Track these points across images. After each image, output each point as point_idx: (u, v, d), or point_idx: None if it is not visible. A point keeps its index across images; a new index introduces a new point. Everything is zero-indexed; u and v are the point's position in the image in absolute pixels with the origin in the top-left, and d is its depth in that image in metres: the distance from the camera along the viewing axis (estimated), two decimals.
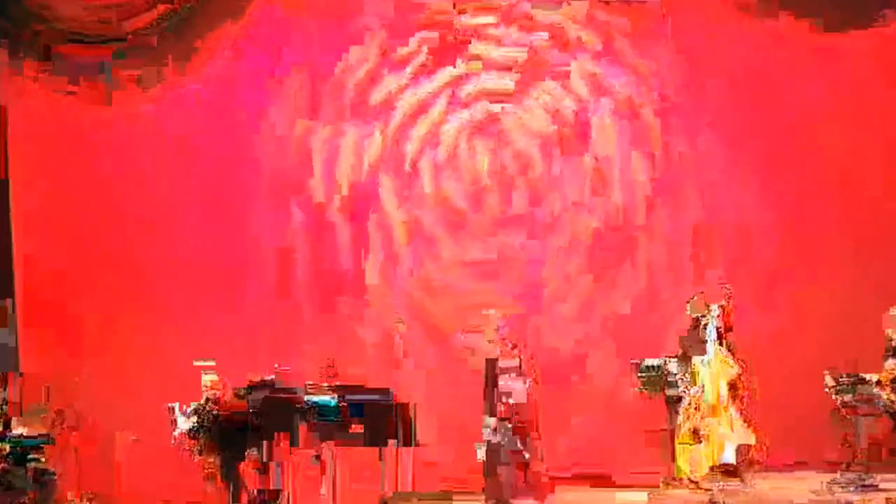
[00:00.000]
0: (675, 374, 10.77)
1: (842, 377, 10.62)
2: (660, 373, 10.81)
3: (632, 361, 11.02)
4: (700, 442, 10.71)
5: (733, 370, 10.83)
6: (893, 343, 10.73)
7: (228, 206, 13.06)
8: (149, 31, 12.89)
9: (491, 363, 10.66)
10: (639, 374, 10.93)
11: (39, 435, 10.32)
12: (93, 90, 12.98)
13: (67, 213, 12.94)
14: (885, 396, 10.53)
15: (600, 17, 13.25)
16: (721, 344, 10.93)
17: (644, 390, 10.98)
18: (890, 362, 10.65)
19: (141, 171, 13.08)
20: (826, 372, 10.72)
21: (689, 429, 10.78)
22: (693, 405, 10.83)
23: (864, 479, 10.40)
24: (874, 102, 12.87)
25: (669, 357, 10.91)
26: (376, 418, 10.29)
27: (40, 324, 12.69)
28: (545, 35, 13.25)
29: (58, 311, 12.77)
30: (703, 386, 10.77)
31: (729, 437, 10.73)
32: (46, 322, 12.70)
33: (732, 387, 10.79)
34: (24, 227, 12.94)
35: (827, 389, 10.67)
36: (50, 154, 13.00)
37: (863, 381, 10.60)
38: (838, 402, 10.62)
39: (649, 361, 10.92)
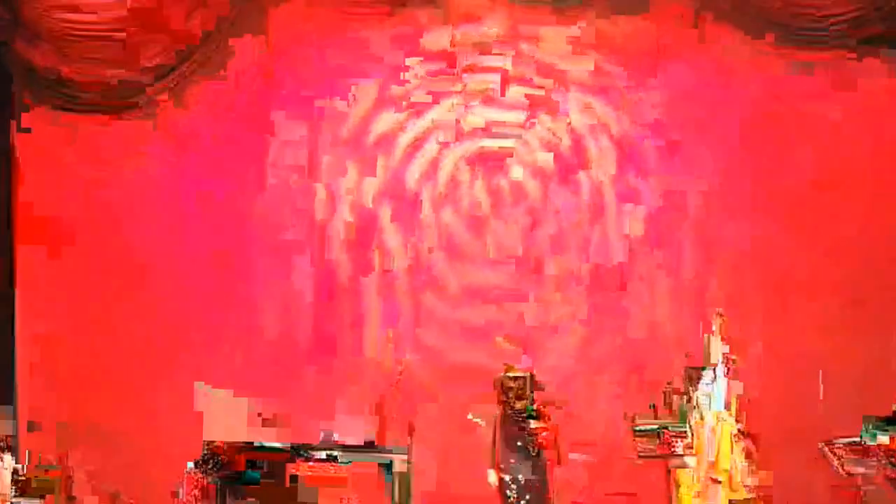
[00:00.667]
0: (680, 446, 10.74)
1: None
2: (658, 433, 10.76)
3: (634, 429, 10.93)
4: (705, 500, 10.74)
5: (736, 426, 10.81)
6: None
7: (232, 242, 13.18)
8: (158, 65, 12.95)
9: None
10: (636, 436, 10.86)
11: None
12: (99, 122, 13.11)
13: (72, 247, 13.06)
14: None
15: (598, 53, 13.20)
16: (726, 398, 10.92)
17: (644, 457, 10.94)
18: None
19: (139, 197, 13.18)
20: (823, 443, 10.68)
21: (696, 489, 10.81)
22: (699, 464, 10.82)
23: None
24: (877, 134, 12.86)
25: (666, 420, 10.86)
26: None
27: (40, 363, 12.83)
28: (543, 71, 13.22)
29: (57, 346, 12.92)
30: (709, 446, 10.76)
31: (734, 495, 10.75)
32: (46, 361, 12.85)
33: (741, 450, 10.79)
34: (28, 263, 13.10)
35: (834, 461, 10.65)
36: (56, 191, 13.12)
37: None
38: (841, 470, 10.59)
39: (652, 427, 10.85)
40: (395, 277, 13.32)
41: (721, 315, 11.04)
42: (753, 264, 12.94)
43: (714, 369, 10.88)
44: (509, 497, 10.90)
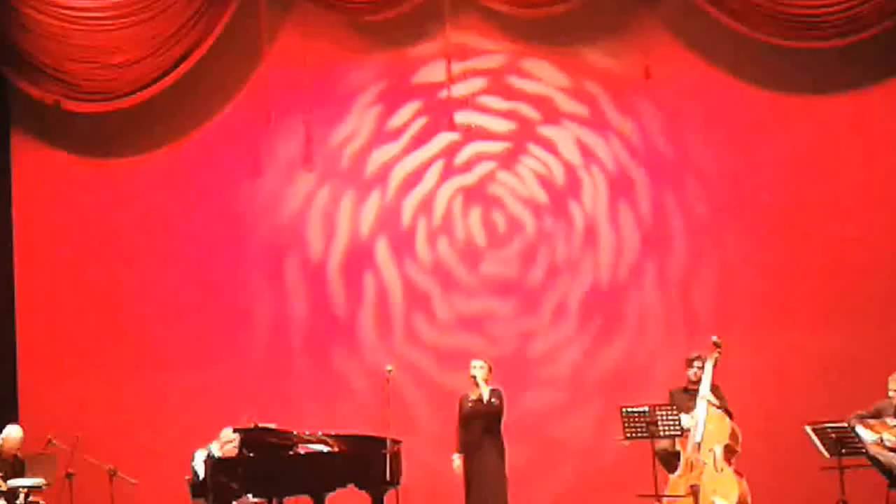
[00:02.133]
0: (666, 428, 10.85)
1: (830, 429, 10.70)
2: (648, 421, 10.87)
3: (622, 409, 11.04)
4: (694, 497, 10.79)
5: (728, 428, 10.95)
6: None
7: (224, 264, 13.48)
8: (149, 91, 13.28)
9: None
10: (626, 423, 10.95)
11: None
12: (92, 147, 13.44)
13: (67, 265, 13.36)
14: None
15: (586, 84, 13.66)
16: (716, 399, 11.08)
17: (630, 438, 11.03)
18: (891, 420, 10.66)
19: (138, 227, 13.56)
20: (808, 427, 10.84)
21: (685, 485, 10.90)
22: (689, 463, 10.94)
23: None
24: (851, 155, 13.26)
25: (660, 408, 10.98)
26: (368, 464, 10.44)
27: (40, 372, 13.04)
28: (534, 102, 13.65)
29: (57, 361, 13.14)
30: (699, 444, 10.89)
31: (723, 494, 10.82)
32: (46, 370, 13.05)
33: (727, 446, 10.92)
34: (25, 278, 13.46)
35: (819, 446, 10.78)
36: (51, 210, 13.47)
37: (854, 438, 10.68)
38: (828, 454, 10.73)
39: (638, 409, 10.98)
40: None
41: (718, 346, 11.19)
42: (742, 283, 13.25)
43: (703, 358, 11.08)
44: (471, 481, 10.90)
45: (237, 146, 13.66)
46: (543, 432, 13.17)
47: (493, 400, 10.95)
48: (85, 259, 13.47)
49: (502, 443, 10.96)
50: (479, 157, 13.74)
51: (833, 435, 10.60)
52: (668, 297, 13.47)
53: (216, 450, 10.89)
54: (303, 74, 13.57)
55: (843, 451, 10.58)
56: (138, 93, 13.35)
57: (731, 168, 13.37)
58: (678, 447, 11.05)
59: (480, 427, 10.92)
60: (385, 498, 10.61)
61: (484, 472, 10.79)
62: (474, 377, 10.95)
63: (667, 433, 10.85)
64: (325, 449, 10.41)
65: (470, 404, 11.02)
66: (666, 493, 10.88)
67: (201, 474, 10.67)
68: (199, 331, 13.30)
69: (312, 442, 10.44)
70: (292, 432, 10.49)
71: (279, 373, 13.28)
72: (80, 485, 10.96)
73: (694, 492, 10.73)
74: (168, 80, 13.32)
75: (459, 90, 13.60)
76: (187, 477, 10.91)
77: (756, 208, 13.31)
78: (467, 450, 10.94)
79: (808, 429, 10.73)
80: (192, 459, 10.96)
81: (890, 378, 10.81)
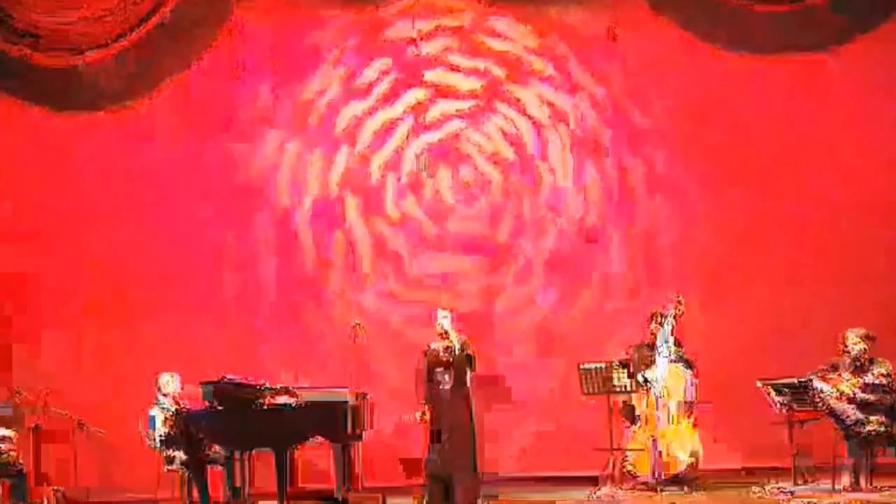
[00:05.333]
0: (622, 383, 11.08)
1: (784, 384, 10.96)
2: (606, 376, 11.09)
3: (580, 366, 11.25)
4: (651, 449, 11.05)
5: (686, 382, 11.21)
6: (852, 354, 11.01)
7: (193, 216, 13.51)
8: (120, 45, 13.29)
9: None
10: (584, 379, 11.17)
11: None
12: (61, 101, 13.38)
13: (35, 217, 13.34)
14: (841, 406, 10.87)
15: (554, 44, 13.80)
16: (676, 356, 11.33)
17: (587, 394, 11.25)
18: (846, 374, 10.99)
19: (107, 181, 13.49)
20: (761, 382, 11.10)
21: (643, 436, 11.14)
22: (646, 417, 11.20)
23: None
24: (814, 117, 13.53)
25: (616, 364, 11.19)
26: (333, 417, 10.63)
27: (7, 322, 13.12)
28: (502, 61, 13.80)
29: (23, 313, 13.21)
30: (658, 398, 11.14)
31: (680, 447, 11.10)
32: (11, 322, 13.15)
33: (686, 400, 11.17)
34: None
35: (776, 398, 11.01)
36: (18, 162, 13.42)
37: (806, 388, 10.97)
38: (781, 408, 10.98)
39: (595, 366, 11.19)
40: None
41: (680, 303, 11.42)
42: (703, 242, 13.50)
43: (665, 315, 11.33)
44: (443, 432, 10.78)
45: (206, 101, 13.68)
46: (508, 387, 13.39)
47: (465, 350, 10.85)
48: (53, 212, 13.45)
49: (470, 393, 10.90)
50: (447, 115, 13.87)
51: (787, 390, 10.86)
52: (632, 254, 13.73)
53: (169, 403, 10.97)
54: (272, 30, 13.67)
55: (796, 405, 10.83)
56: (106, 48, 13.31)
57: (695, 128, 13.59)
58: (638, 401, 11.30)
59: (453, 378, 10.78)
60: (351, 450, 10.83)
61: (456, 423, 10.72)
62: (444, 327, 10.81)
63: (623, 388, 11.09)
64: (292, 401, 10.55)
65: (444, 356, 10.84)
66: (625, 445, 11.13)
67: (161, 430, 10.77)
68: (167, 285, 13.37)
69: (279, 394, 10.58)
70: (259, 385, 10.61)
71: (248, 327, 13.40)
72: (46, 437, 11.01)
73: (652, 444, 10.99)
74: (138, 35, 13.31)
75: (427, 48, 13.72)
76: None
77: (719, 168, 13.56)
78: (436, 402, 10.80)
79: (763, 384, 10.97)
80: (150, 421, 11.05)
81: (847, 332, 11.01)
